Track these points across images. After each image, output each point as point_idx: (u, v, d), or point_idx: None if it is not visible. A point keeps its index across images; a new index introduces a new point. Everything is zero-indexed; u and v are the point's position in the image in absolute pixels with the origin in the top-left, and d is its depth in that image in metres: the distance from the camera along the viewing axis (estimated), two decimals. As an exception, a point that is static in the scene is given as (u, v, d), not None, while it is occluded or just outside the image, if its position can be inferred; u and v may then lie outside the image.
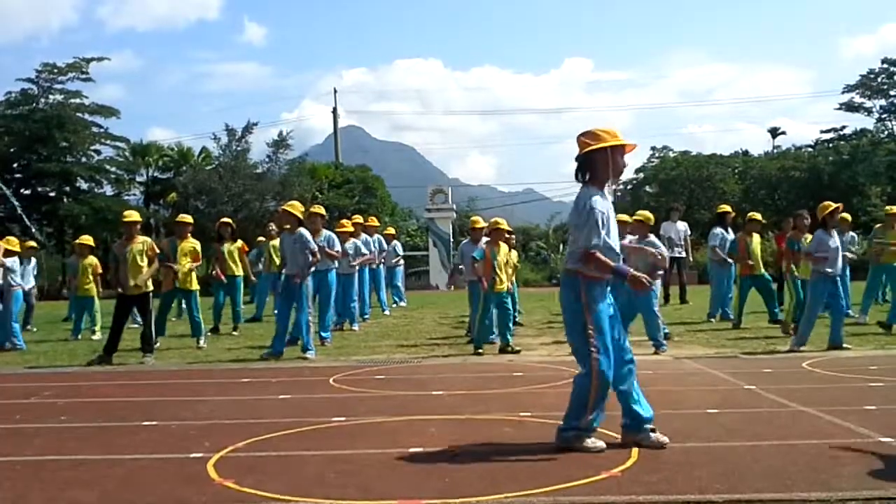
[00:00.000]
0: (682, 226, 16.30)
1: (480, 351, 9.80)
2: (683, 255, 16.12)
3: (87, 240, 13.72)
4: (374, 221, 16.26)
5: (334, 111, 52.83)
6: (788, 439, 4.73)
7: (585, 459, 4.33)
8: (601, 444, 4.55)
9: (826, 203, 9.47)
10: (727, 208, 13.71)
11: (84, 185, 41.50)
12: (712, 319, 12.89)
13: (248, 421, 5.79)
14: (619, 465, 4.18)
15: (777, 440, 4.68)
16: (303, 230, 9.86)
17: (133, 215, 10.21)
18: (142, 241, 9.93)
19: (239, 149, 37.08)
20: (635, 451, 4.45)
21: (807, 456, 4.33)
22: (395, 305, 17.72)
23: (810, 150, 48.11)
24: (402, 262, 18.40)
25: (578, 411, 4.54)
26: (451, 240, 38.23)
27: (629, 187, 51.01)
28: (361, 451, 4.78)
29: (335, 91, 53.85)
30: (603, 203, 4.58)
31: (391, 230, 18.95)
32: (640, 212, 10.09)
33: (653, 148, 50.98)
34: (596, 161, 4.59)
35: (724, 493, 3.65)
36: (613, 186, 4.75)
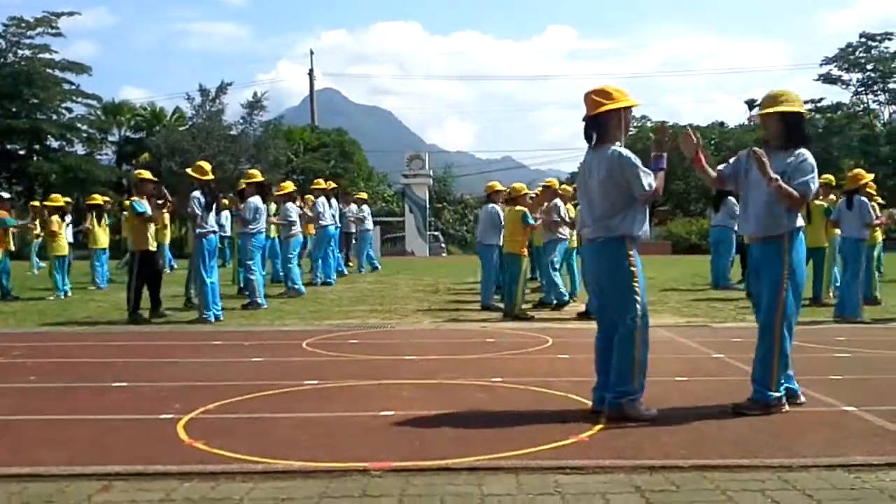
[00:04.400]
0: None
1: (531, 314, 10.09)
2: None
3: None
4: (319, 183, 15.75)
5: (310, 73, 52.22)
6: (754, 407, 4.80)
7: (554, 424, 4.36)
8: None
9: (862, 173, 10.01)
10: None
11: (54, 144, 40.81)
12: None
13: (220, 383, 5.77)
14: (587, 430, 4.23)
15: (743, 408, 4.74)
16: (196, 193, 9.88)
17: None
18: None
19: (213, 109, 36.58)
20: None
21: (772, 423, 4.41)
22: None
23: (786, 122, 48.42)
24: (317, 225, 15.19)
25: (624, 376, 4.44)
26: (428, 206, 38.12)
27: (606, 156, 51.09)
28: (333, 413, 4.79)
29: (311, 53, 53.27)
30: (626, 150, 4.52)
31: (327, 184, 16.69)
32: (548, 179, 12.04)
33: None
34: (608, 121, 4.55)
35: (689, 458, 3.70)
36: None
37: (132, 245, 10.53)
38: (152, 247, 10.40)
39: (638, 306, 4.48)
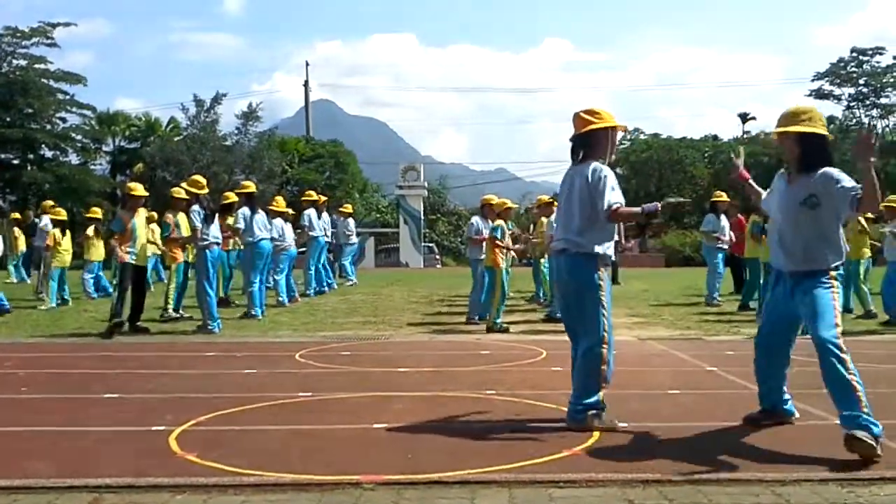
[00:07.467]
0: None
1: (506, 326, 9.95)
2: (617, 237, 17.70)
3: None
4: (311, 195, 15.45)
5: (306, 84, 52.36)
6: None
7: (548, 437, 4.36)
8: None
9: None
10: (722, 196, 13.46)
11: (48, 153, 40.67)
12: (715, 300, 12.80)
13: (212, 395, 5.75)
14: (580, 443, 4.22)
15: (737, 421, 4.73)
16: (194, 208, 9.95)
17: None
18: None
19: (208, 120, 36.64)
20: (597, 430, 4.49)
21: (765, 437, 4.40)
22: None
23: (779, 136, 48.73)
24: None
25: (589, 389, 4.51)
26: (422, 217, 38.15)
27: (599, 169, 51.36)
28: (326, 426, 4.77)
29: (307, 64, 53.43)
30: (607, 169, 4.57)
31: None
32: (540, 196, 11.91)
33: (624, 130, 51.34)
34: (596, 139, 4.61)
35: (682, 472, 3.70)
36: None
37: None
38: (137, 261, 9.94)
39: (605, 320, 4.52)
